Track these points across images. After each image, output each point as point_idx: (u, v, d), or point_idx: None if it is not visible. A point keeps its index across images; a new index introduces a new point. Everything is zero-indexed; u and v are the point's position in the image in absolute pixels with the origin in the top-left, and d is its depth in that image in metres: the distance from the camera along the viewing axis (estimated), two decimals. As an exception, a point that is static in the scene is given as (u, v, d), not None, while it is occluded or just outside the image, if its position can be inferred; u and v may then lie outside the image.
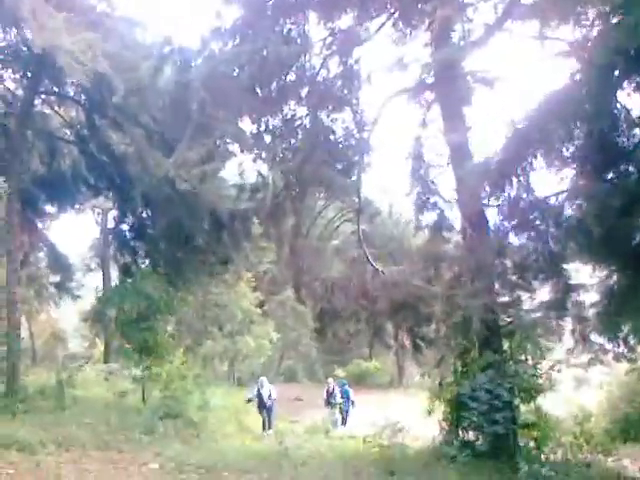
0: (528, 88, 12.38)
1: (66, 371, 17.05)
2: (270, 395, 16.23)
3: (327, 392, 18.34)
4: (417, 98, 12.73)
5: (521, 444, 9.58)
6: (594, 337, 10.06)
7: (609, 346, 9.99)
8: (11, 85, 17.52)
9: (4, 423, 10.93)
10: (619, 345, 9.78)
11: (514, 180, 8.99)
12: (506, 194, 9.42)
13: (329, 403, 18.14)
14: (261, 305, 30.01)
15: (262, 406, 16.13)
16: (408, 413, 12.15)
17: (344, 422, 18.37)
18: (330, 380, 19.32)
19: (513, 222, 9.46)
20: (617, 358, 10.11)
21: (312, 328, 32.74)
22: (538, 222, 8.96)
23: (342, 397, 18.50)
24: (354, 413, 18.77)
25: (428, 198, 12.63)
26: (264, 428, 15.90)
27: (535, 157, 8.53)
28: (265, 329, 29.07)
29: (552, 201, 9.09)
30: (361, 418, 17.08)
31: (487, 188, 9.75)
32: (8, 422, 11.17)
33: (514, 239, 9.97)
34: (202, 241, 18.67)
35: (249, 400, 16.68)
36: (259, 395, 16.18)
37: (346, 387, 19.20)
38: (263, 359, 30.25)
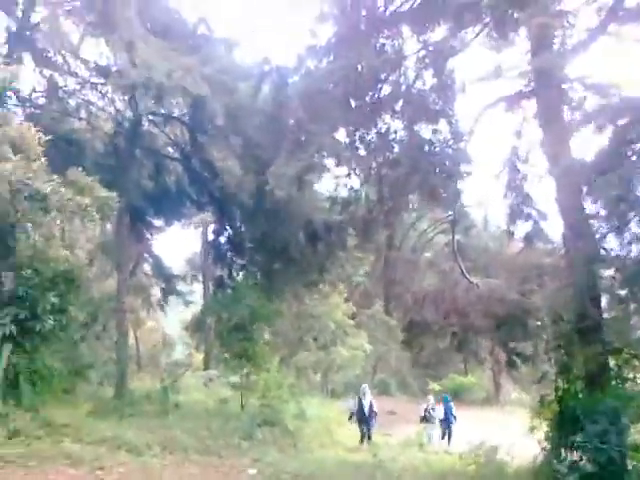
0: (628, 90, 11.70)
1: (169, 377, 17.90)
2: (372, 405, 15.79)
3: (425, 409, 17.92)
4: (514, 107, 12.43)
5: (630, 467, 9.03)
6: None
7: None
8: (120, 106, 18.75)
9: (113, 425, 11.58)
10: None
11: (614, 179, 8.54)
12: (604, 194, 8.96)
13: (426, 419, 17.67)
14: (352, 317, 30.08)
15: (362, 418, 15.69)
16: (505, 431, 11.80)
17: (449, 438, 17.72)
18: (430, 397, 18.79)
19: (611, 224, 8.96)
20: None
21: (401, 341, 32.50)
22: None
23: (445, 413, 17.88)
24: (454, 429, 18.14)
25: (523, 209, 12.27)
26: (362, 440, 15.48)
27: (638, 156, 8.09)
28: (358, 341, 29.08)
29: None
30: (457, 434, 16.73)
31: (584, 189, 9.35)
32: (117, 424, 11.82)
33: (617, 247, 9.43)
34: (297, 252, 19.02)
35: (350, 416, 16.47)
36: (360, 405, 15.77)
37: (450, 403, 18.49)
38: (357, 371, 30.25)
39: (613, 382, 9.70)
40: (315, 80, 14.01)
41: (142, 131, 18.40)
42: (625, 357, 9.90)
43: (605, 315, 10.16)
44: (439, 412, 17.66)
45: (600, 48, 11.00)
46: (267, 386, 14.80)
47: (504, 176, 12.72)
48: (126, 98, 18.00)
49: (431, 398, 18.56)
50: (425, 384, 33.28)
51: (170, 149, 20.94)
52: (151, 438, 10.81)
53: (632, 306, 9.76)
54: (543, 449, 10.46)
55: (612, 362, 10.05)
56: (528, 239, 12.70)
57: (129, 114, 18.33)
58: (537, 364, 12.87)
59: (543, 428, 10.65)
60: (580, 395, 10.14)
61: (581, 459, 9.65)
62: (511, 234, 12.99)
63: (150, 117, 19.23)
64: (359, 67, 13.33)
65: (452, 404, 18.58)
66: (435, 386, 32.70)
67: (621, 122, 8.92)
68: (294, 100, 14.06)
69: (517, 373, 25.27)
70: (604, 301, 10.08)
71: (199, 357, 32.48)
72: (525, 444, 11.00)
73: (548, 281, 12.89)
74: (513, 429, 11.39)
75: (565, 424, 10.20)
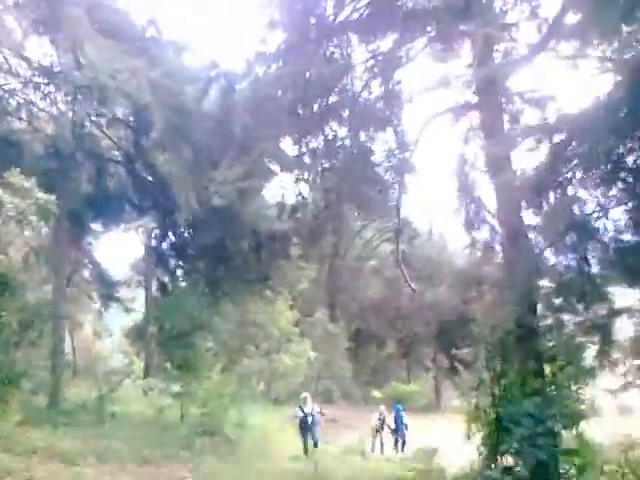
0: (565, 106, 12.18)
1: (107, 386, 17.38)
2: (313, 411, 15.35)
3: (379, 419, 17.98)
4: (460, 117, 12.70)
5: (562, 471, 9.31)
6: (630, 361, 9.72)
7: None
8: (63, 107, 18.18)
9: (47, 434, 11.18)
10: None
11: (551, 195, 8.83)
12: (543, 210, 9.25)
13: (379, 429, 17.72)
14: (296, 325, 30.03)
15: (305, 426, 15.24)
16: (446, 437, 11.95)
17: (402, 446, 17.86)
18: (382, 407, 18.93)
19: (550, 241, 9.24)
20: None
21: (346, 348, 32.69)
22: (576, 242, 8.73)
23: (396, 422, 18.06)
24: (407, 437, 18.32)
25: (477, 214, 12.44)
26: (306, 451, 14.98)
27: (573, 173, 8.38)
28: (302, 348, 29.05)
29: (592, 220, 8.82)
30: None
31: (524, 203, 9.62)
32: (50, 434, 11.41)
33: (552, 258, 9.73)
34: (241, 260, 18.84)
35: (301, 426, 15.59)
36: (303, 413, 15.28)
37: (401, 412, 18.62)
38: (300, 378, 30.18)
39: (548, 389, 9.97)
40: (263, 86, 13.93)
41: (84, 133, 17.88)
42: (560, 364, 10.21)
43: (541, 323, 10.45)
44: (392, 423, 17.85)
45: (541, 63, 11.34)
46: (208, 395, 14.60)
47: (454, 182, 12.87)
48: (69, 99, 17.51)
49: (383, 407, 18.65)
50: (368, 392, 33.60)
51: (113, 152, 20.42)
52: (86, 448, 10.51)
53: (566, 315, 10.07)
54: (480, 454, 10.68)
55: (547, 369, 10.35)
56: (484, 245, 12.87)
57: (71, 116, 17.82)
58: (477, 371, 13.07)
59: (479, 433, 10.89)
60: (514, 401, 10.41)
61: (516, 464, 9.93)
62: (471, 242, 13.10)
63: (93, 119, 18.74)
64: (308, 74, 13.34)
65: (403, 413, 18.75)
66: (377, 394, 33.08)
67: (557, 138, 9.20)
68: (241, 105, 13.95)
69: (458, 380, 25.74)
70: (540, 310, 10.36)
71: (139, 365, 31.68)
72: (464, 450, 11.21)
73: (487, 290, 13.15)
74: (453, 435, 11.56)
75: (500, 429, 10.45)
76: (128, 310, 28.40)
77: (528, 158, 10.17)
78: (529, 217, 10.49)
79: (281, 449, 15.67)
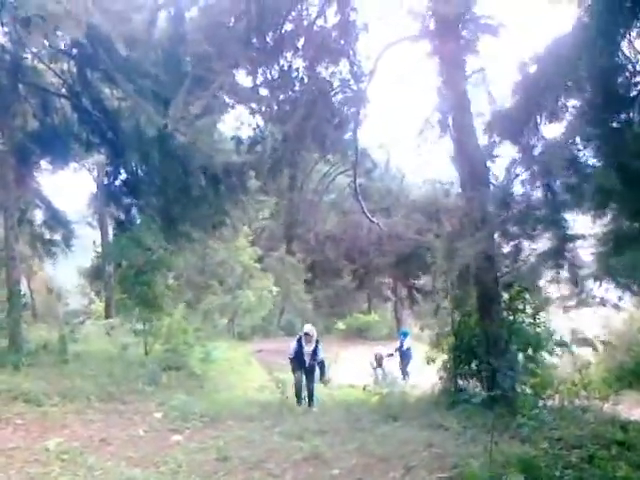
0: (534, 36, 12.03)
1: (68, 327, 17.22)
2: (316, 351, 11.73)
3: (376, 358, 16.75)
4: (416, 47, 12.45)
5: (519, 390, 9.77)
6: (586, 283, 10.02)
7: (599, 292, 9.96)
8: (1, 39, 17.06)
9: (9, 376, 10.99)
10: (608, 289, 9.74)
11: (525, 128, 8.82)
12: (518, 142, 9.27)
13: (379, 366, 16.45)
14: (259, 260, 30.12)
15: (302, 368, 11.72)
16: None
17: (406, 374, 16.32)
18: (379, 347, 18.03)
19: (525, 171, 9.29)
20: (603, 303, 10.13)
21: (304, 280, 33.06)
22: (550, 169, 8.78)
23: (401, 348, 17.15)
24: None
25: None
26: (299, 400, 11.67)
27: (545, 106, 8.36)
28: (265, 283, 29.24)
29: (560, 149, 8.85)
30: (361, 369, 17.37)
31: (496, 138, 9.63)
32: (13, 375, 11.23)
33: (518, 189, 9.83)
34: (197, 195, 18.46)
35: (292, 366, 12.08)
36: (299, 350, 11.74)
37: (404, 340, 17.58)
38: (264, 313, 30.54)
39: (504, 314, 10.32)
40: (215, 13, 13.31)
41: (26, 65, 16.87)
42: (516, 290, 10.54)
43: (498, 251, 10.68)
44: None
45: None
46: (171, 331, 14.62)
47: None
48: (7, 30, 16.40)
49: (381, 348, 18.00)
50: (331, 324, 34.30)
51: (59, 87, 19.39)
52: (50, 388, 10.38)
53: (522, 242, 10.30)
54: (441, 378, 11.13)
55: (505, 295, 10.68)
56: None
57: (11, 47, 16.74)
58: (435, 299, 13.44)
59: (440, 359, 11.32)
60: (474, 327, 10.79)
61: (476, 386, 10.39)
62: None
63: (35, 50, 17.66)
64: (261, 0, 12.78)
65: (406, 340, 17.87)
66: (340, 325, 33.81)
67: (529, 70, 9.06)
68: (193, 35, 13.35)
69: (417, 308, 26.47)
70: (497, 237, 10.56)
71: (99, 306, 31.47)
72: (426, 375, 11.65)
73: (445, 220, 13.32)
74: (414, 362, 11.97)
75: (461, 355, 10.87)
76: (84, 250, 27.87)
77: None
78: (495, 149, 10.52)
79: (247, 381, 16.00)
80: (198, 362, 14.70)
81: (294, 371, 11.74)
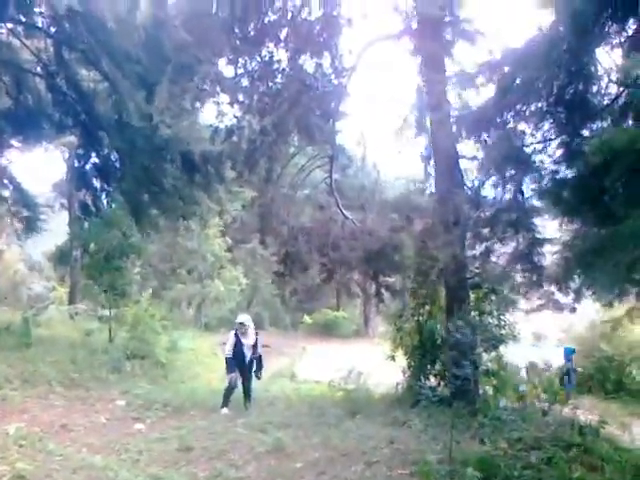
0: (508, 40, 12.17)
1: (31, 310, 16.88)
2: (256, 345, 10.34)
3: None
4: (398, 45, 12.54)
5: (481, 391, 9.92)
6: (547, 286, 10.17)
7: (558, 295, 10.12)
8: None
9: (-32, 358, 10.79)
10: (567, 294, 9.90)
11: (492, 129, 8.92)
12: (484, 143, 9.36)
13: None
14: (229, 251, 29.88)
15: (239, 365, 10.07)
16: (372, 361, 12.42)
17: None
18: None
19: (490, 173, 9.39)
20: (560, 308, 10.32)
21: (273, 272, 32.88)
22: (515, 174, 8.90)
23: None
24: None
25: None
26: (226, 401, 9.80)
27: (514, 107, 8.45)
28: (234, 275, 29.04)
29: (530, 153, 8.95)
30: (327, 365, 17.42)
31: (464, 136, 9.71)
32: (-28, 358, 11.02)
33: (489, 192, 9.95)
34: (170, 183, 18.21)
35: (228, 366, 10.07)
36: (238, 345, 10.11)
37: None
38: (231, 305, 30.32)
39: (472, 314, 10.44)
40: (198, 0, 13.19)
41: (0, 41, 16.42)
42: (484, 291, 10.68)
43: (468, 252, 10.81)
44: None
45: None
46: (137, 319, 14.45)
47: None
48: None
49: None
50: (298, 318, 34.28)
51: (34, 65, 18.92)
52: (11, 372, 10.16)
53: (492, 244, 10.42)
54: (405, 376, 11.25)
55: (472, 296, 10.82)
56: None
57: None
58: (403, 297, 13.55)
59: (402, 357, 11.44)
60: (439, 326, 10.92)
61: (439, 384, 10.53)
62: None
63: (10, 26, 17.21)
64: (244, -13, 12.69)
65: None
66: (308, 320, 33.79)
67: (501, 72, 9.15)
68: (175, 21, 13.18)
69: (384, 306, 26.55)
70: (468, 239, 10.67)
71: (63, 291, 30.88)
72: (391, 372, 11.72)
73: (417, 219, 13.41)
74: (379, 359, 12.04)
75: (425, 354, 11.00)
76: (51, 233, 27.23)
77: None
78: (467, 149, 10.65)
79: (212, 372, 15.88)
80: (164, 351, 14.54)
81: (230, 371, 9.94)
